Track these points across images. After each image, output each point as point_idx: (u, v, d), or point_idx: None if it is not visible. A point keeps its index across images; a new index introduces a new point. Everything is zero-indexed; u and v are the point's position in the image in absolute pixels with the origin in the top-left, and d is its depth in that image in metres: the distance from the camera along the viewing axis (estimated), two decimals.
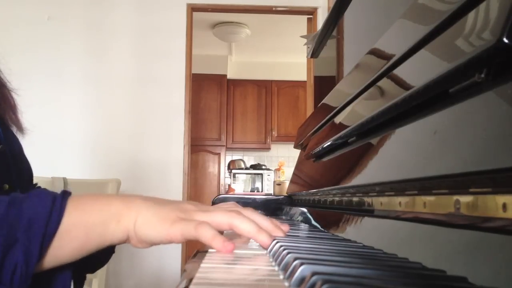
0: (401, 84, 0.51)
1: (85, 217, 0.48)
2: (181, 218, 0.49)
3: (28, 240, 0.43)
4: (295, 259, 0.35)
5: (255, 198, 1.28)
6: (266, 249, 0.50)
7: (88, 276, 1.92)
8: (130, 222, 0.49)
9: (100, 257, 0.67)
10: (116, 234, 0.49)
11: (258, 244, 0.57)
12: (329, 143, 0.83)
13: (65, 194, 0.48)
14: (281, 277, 0.35)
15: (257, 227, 0.51)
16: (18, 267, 0.42)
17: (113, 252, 0.69)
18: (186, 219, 0.49)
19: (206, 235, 0.47)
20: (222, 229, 0.52)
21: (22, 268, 0.43)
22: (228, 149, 5.42)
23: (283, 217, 1.21)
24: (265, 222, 0.55)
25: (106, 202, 0.50)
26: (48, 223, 0.45)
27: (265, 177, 5.17)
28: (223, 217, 0.51)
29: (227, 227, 0.51)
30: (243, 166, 5.37)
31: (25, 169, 0.75)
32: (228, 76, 5.37)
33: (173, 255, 3.17)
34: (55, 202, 0.46)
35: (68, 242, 0.46)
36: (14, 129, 0.73)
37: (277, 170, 5.35)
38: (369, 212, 0.57)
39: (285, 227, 0.56)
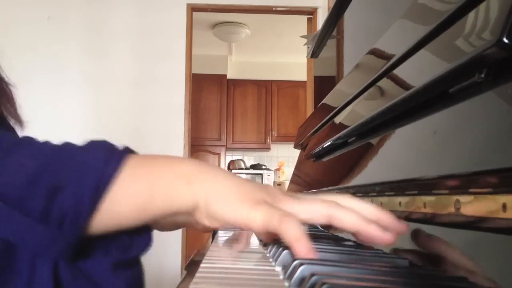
0: (401, 84, 0.51)
1: (149, 171, 0.40)
2: (266, 201, 0.40)
3: (78, 183, 0.37)
4: (295, 259, 0.35)
5: None
6: (387, 244, 0.40)
7: None
8: (202, 189, 0.40)
9: None
10: (185, 198, 0.40)
11: (258, 244, 0.57)
12: (329, 143, 0.83)
13: (127, 148, 0.42)
14: (281, 277, 0.35)
15: (364, 219, 0.40)
16: (69, 214, 0.36)
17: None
18: (272, 205, 0.40)
19: (291, 234, 0.38)
20: (318, 222, 0.42)
21: (73, 216, 0.36)
22: (228, 149, 5.42)
23: None
24: (373, 210, 0.43)
25: (176, 160, 0.43)
26: (104, 169, 0.38)
27: (265, 177, 5.17)
28: (319, 207, 0.41)
29: (325, 220, 0.42)
30: (243, 166, 5.37)
31: None
32: (228, 76, 5.37)
33: (173, 255, 3.17)
34: (114, 150, 0.40)
35: (128, 197, 0.39)
36: (12, 122, 0.73)
37: (277, 170, 5.35)
38: None
39: (403, 226, 0.42)
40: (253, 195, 0.41)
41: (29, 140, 0.39)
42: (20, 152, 0.37)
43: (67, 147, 0.39)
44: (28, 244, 0.35)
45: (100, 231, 0.39)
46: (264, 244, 0.55)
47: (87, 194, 0.37)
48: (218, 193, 0.40)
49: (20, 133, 0.73)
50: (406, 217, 0.45)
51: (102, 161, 0.38)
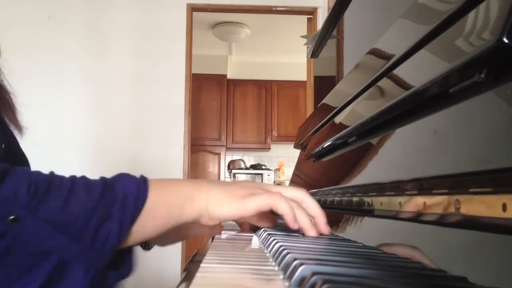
0: (401, 84, 0.52)
1: (166, 198, 0.53)
2: (249, 194, 0.55)
3: (122, 214, 0.48)
4: (295, 259, 0.35)
5: None
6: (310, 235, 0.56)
7: None
8: (202, 202, 0.54)
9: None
10: (190, 213, 0.54)
11: (258, 243, 0.57)
12: (329, 143, 0.83)
13: (145, 178, 0.53)
14: (281, 277, 0.35)
15: (310, 223, 0.56)
16: (110, 236, 0.47)
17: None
18: (255, 194, 0.55)
19: (283, 206, 0.54)
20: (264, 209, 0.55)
21: (114, 238, 0.47)
22: (228, 149, 5.42)
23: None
24: (321, 217, 0.59)
25: (180, 185, 0.57)
26: (137, 200, 0.49)
27: (265, 177, 5.17)
28: (291, 193, 0.58)
29: (269, 207, 0.56)
30: (243, 166, 5.37)
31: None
32: (228, 76, 5.37)
33: (173, 255, 3.17)
34: (140, 183, 0.51)
35: (152, 220, 0.51)
36: (12, 128, 0.74)
37: (277, 170, 5.35)
38: (369, 212, 0.57)
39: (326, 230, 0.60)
40: (238, 193, 0.56)
41: (76, 180, 0.50)
42: (77, 193, 0.48)
43: (107, 184, 0.50)
44: (78, 262, 0.46)
45: (126, 246, 0.51)
46: (260, 236, 0.55)
47: (127, 222, 0.48)
48: (215, 201, 0.55)
49: (19, 138, 0.75)
50: (406, 217, 0.45)
51: (135, 194, 0.49)
